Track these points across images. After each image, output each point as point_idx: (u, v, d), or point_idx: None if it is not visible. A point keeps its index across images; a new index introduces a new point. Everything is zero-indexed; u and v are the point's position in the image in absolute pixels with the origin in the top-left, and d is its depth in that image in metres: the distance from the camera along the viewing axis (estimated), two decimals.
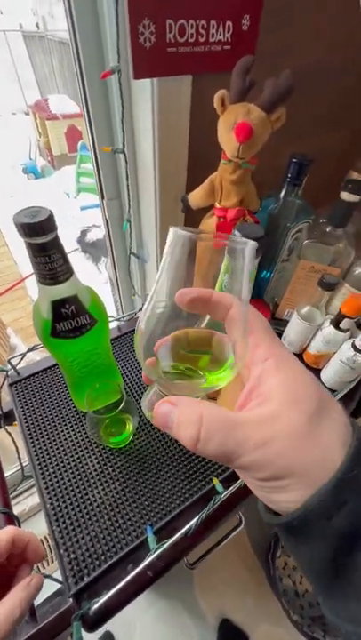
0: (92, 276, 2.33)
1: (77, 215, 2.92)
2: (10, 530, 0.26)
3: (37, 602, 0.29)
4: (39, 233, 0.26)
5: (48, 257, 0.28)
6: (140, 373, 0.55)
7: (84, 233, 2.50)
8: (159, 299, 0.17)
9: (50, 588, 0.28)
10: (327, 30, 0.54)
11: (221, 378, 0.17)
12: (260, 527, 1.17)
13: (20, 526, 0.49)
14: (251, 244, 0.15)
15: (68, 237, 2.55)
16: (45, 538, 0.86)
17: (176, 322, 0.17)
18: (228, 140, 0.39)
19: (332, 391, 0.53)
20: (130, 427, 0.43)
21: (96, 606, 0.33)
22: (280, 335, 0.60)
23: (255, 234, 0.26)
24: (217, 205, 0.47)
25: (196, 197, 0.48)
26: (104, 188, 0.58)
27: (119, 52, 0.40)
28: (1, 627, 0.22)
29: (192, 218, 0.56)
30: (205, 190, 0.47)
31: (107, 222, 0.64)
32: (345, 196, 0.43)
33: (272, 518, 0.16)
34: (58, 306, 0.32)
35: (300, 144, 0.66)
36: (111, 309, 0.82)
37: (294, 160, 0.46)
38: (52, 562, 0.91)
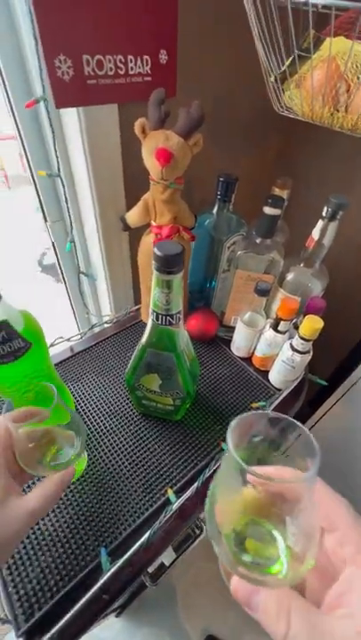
0: (53, 297, 2.27)
1: (38, 234, 2.86)
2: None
3: None
4: None
5: None
6: (93, 392, 0.54)
7: (43, 255, 2.46)
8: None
9: None
10: (233, 66, 0.59)
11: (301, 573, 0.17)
12: None
13: None
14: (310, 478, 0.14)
15: (29, 258, 2.47)
16: None
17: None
18: (151, 163, 0.41)
19: (278, 390, 0.56)
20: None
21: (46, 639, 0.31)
22: (229, 342, 0.63)
23: (172, 251, 0.28)
24: (153, 223, 0.50)
25: (133, 217, 0.50)
26: (46, 210, 0.58)
27: (43, 83, 0.41)
28: (42, 498, 0.27)
29: (132, 235, 0.58)
30: (140, 210, 0.49)
31: (53, 244, 0.64)
32: (267, 210, 0.47)
33: None
34: None
35: (230, 165, 0.72)
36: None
37: (221, 179, 0.50)
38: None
